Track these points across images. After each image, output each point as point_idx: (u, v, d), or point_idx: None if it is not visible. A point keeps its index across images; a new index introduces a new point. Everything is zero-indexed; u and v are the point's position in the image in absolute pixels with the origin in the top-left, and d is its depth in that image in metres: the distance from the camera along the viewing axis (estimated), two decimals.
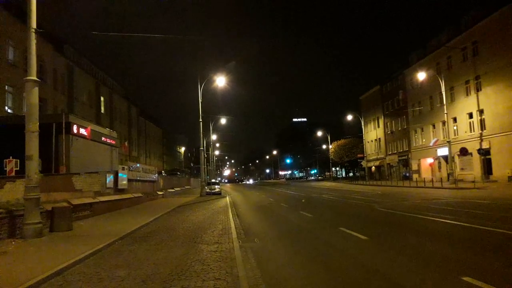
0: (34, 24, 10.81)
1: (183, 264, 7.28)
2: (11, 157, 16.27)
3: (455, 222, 11.42)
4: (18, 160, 15.56)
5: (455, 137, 39.24)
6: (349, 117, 66.08)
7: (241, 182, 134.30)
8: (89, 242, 9.49)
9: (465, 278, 5.63)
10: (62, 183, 16.75)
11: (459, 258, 7.11)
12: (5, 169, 16.12)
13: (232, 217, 15.48)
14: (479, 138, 36.02)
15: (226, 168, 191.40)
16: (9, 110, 26.15)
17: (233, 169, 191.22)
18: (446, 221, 11.85)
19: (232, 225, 12.79)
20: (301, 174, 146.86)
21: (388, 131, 59.90)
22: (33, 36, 10.78)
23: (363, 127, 65.89)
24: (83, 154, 22.69)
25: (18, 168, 15.81)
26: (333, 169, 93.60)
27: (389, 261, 7.19)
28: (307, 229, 12.44)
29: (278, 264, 7.53)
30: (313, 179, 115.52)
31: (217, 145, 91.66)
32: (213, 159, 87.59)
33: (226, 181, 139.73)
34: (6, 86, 26.02)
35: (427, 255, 7.46)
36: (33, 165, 10.66)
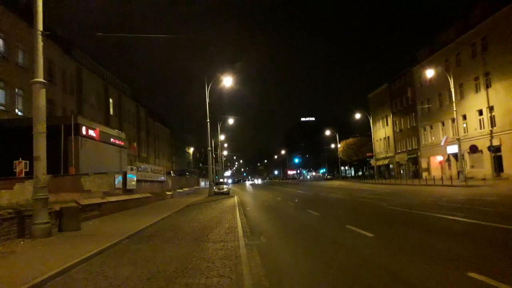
0: (40, 26, 10.96)
1: (188, 262, 7.32)
2: (21, 158, 16.52)
3: (463, 219, 11.30)
4: (28, 162, 15.78)
5: (465, 134, 38.81)
6: (357, 116, 65.67)
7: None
8: (96, 241, 9.59)
9: (470, 274, 5.58)
10: (71, 184, 16.97)
11: (466, 255, 7.04)
12: (15, 170, 16.37)
13: (239, 216, 15.48)
14: (489, 135, 35.57)
15: (234, 169, 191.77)
16: (19, 113, 26.51)
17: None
18: (454, 218, 11.73)
19: (239, 223, 12.81)
20: (310, 174, 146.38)
21: (397, 129, 59.45)
22: (39, 38, 10.93)
23: (371, 125, 65.51)
24: (92, 155, 22.90)
25: (27, 170, 16.05)
26: (342, 168, 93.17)
27: (396, 258, 7.14)
28: (314, 227, 12.42)
29: (283, 262, 7.53)
30: (318, 178, 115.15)
31: (225, 145, 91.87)
32: (222, 159, 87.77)
33: (230, 181, 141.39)
34: (16, 89, 26.37)
35: (433, 252, 7.39)
36: (41, 166, 10.80)
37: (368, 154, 66.28)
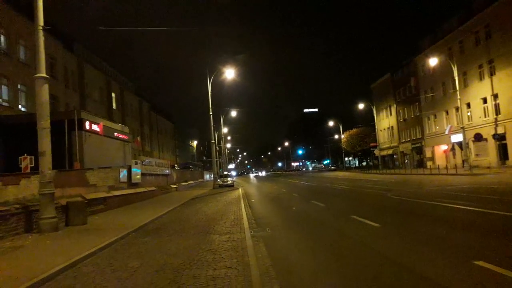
0: (41, 21, 10.93)
1: (195, 254, 7.36)
2: (25, 154, 16.57)
3: (469, 208, 11.27)
4: (33, 157, 15.83)
5: (469, 122, 38.60)
6: (361, 106, 65.46)
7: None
8: (103, 235, 9.66)
9: (477, 262, 5.58)
10: (76, 179, 17.02)
11: (472, 243, 7.03)
12: (21, 166, 16.43)
13: (244, 208, 15.54)
14: (494, 123, 35.37)
15: (238, 161, 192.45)
16: (22, 109, 26.56)
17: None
18: (459, 207, 11.72)
19: (244, 215, 12.86)
20: (312, 165, 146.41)
21: (400, 119, 59.22)
22: (40, 33, 10.91)
23: (375, 115, 65.21)
24: (97, 150, 22.96)
25: (33, 165, 16.08)
26: (346, 159, 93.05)
27: (402, 248, 7.15)
28: (319, 218, 12.44)
29: (289, 253, 7.56)
30: (321, 169, 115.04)
31: (229, 138, 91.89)
32: (225, 152, 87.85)
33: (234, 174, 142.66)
34: (18, 85, 26.40)
35: (439, 241, 7.39)
36: (46, 161, 10.84)
37: (372, 144, 66.07)
